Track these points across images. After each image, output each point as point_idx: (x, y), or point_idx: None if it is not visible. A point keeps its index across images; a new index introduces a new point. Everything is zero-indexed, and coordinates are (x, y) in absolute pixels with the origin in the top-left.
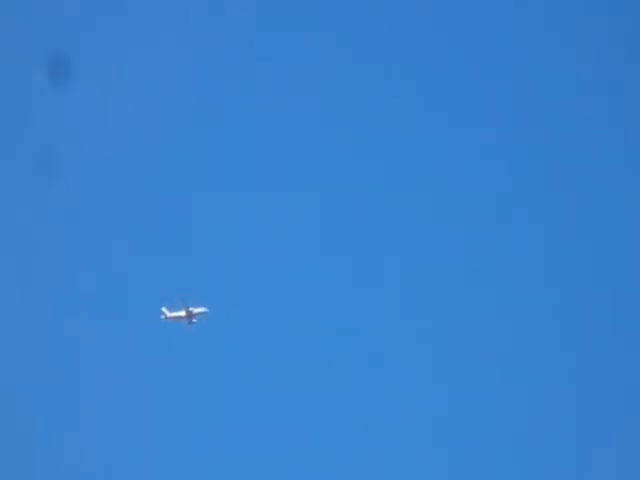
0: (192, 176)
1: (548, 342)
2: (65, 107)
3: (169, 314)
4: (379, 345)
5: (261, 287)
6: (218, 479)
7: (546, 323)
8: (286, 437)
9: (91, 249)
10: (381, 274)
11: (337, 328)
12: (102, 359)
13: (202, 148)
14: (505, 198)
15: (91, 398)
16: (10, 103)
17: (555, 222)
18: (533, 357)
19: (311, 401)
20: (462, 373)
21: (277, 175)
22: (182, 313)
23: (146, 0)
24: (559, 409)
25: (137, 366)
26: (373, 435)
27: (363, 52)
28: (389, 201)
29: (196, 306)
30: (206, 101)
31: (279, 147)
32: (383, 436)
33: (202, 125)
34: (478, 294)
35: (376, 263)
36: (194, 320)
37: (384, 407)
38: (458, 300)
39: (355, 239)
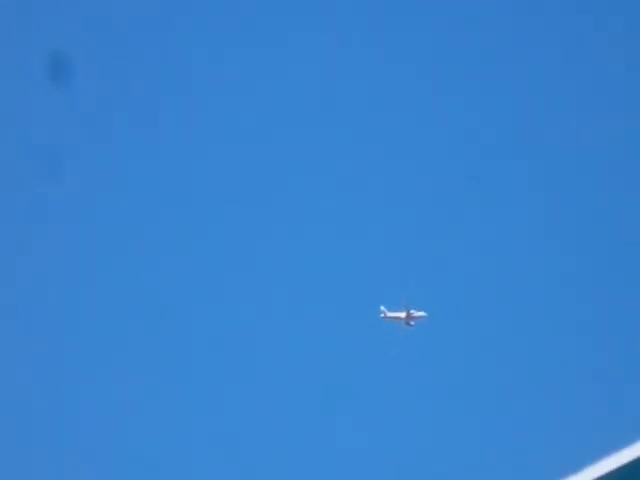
0: (198, 175)
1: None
2: (65, 107)
3: (388, 313)
4: None
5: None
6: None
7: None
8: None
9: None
10: None
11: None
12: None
13: (204, 145)
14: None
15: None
16: (10, 103)
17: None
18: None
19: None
20: None
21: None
22: (402, 314)
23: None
24: None
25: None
26: None
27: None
28: None
29: (417, 309)
30: (206, 97)
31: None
32: None
33: (204, 122)
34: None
35: None
36: (412, 323)
37: None
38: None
39: None
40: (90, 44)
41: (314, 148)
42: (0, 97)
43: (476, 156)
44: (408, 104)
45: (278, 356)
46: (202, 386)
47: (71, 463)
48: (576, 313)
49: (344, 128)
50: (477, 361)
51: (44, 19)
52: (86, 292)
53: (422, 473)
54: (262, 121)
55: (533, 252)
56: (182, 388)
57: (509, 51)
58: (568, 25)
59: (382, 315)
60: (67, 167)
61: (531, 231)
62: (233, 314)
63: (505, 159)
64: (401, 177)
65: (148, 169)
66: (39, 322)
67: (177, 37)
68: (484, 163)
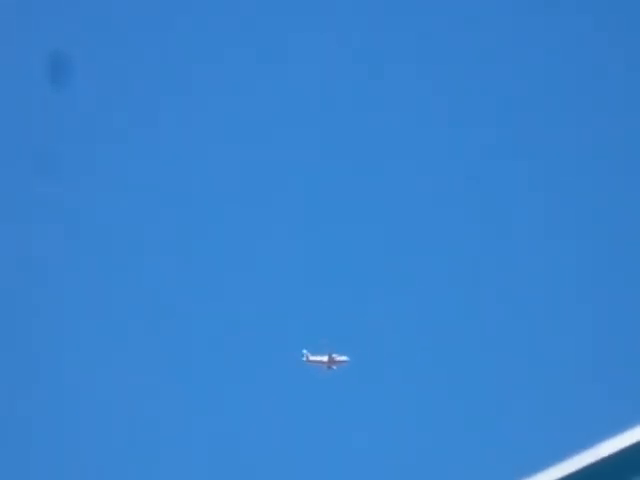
0: (200, 174)
1: None
2: (65, 107)
3: (311, 357)
4: None
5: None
6: None
7: None
8: None
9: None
10: None
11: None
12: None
13: (204, 145)
14: None
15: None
16: (10, 103)
17: None
18: None
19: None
20: None
21: None
22: (324, 358)
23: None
24: None
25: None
26: None
27: None
28: None
29: (339, 353)
30: (206, 97)
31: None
32: None
33: (204, 122)
34: None
35: None
36: (334, 367)
37: None
38: None
39: None
40: (90, 44)
41: (314, 148)
42: (0, 97)
43: (476, 157)
44: (408, 104)
45: (272, 356)
46: (199, 387)
47: (69, 462)
48: (574, 320)
49: (344, 128)
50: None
51: (44, 19)
52: (85, 291)
53: None
54: (262, 121)
55: (533, 257)
56: (181, 388)
57: (509, 51)
58: (568, 25)
59: (304, 359)
60: (67, 167)
61: (531, 237)
62: (233, 314)
63: (505, 159)
64: (399, 178)
65: (148, 169)
66: (38, 321)
67: (177, 37)
68: (485, 164)
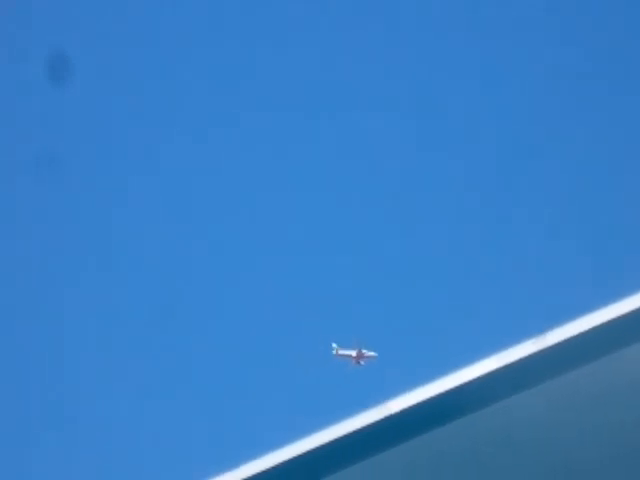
0: (197, 171)
1: None
2: (66, 107)
3: (340, 351)
4: None
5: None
6: None
7: None
8: None
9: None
10: None
11: None
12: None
13: (204, 144)
14: None
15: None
16: (10, 103)
17: None
18: None
19: None
20: None
21: None
22: (353, 352)
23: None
24: None
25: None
26: None
27: None
28: None
29: (368, 349)
30: (206, 97)
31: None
32: None
33: (204, 121)
34: None
35: None
36: (362, 362)
37: None
38: None
39: None
40: (90, 44)
41: (314, 148)
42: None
43: (478, 158)
44: (408, 103)
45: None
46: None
47: (69, 461)
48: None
49: (344, 127)
50: None
51: (44, 19)
52: (85, 291)
53: None
54: (262, 120)
55: None
56: (180, 390)
57: (510, 51)
58: (568, 25)
59: (334, 352)
60: (67, 167)
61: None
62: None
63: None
64: (397, 174)
65: (148, 169)
66: (38, 321)
67: (177, 37)
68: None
